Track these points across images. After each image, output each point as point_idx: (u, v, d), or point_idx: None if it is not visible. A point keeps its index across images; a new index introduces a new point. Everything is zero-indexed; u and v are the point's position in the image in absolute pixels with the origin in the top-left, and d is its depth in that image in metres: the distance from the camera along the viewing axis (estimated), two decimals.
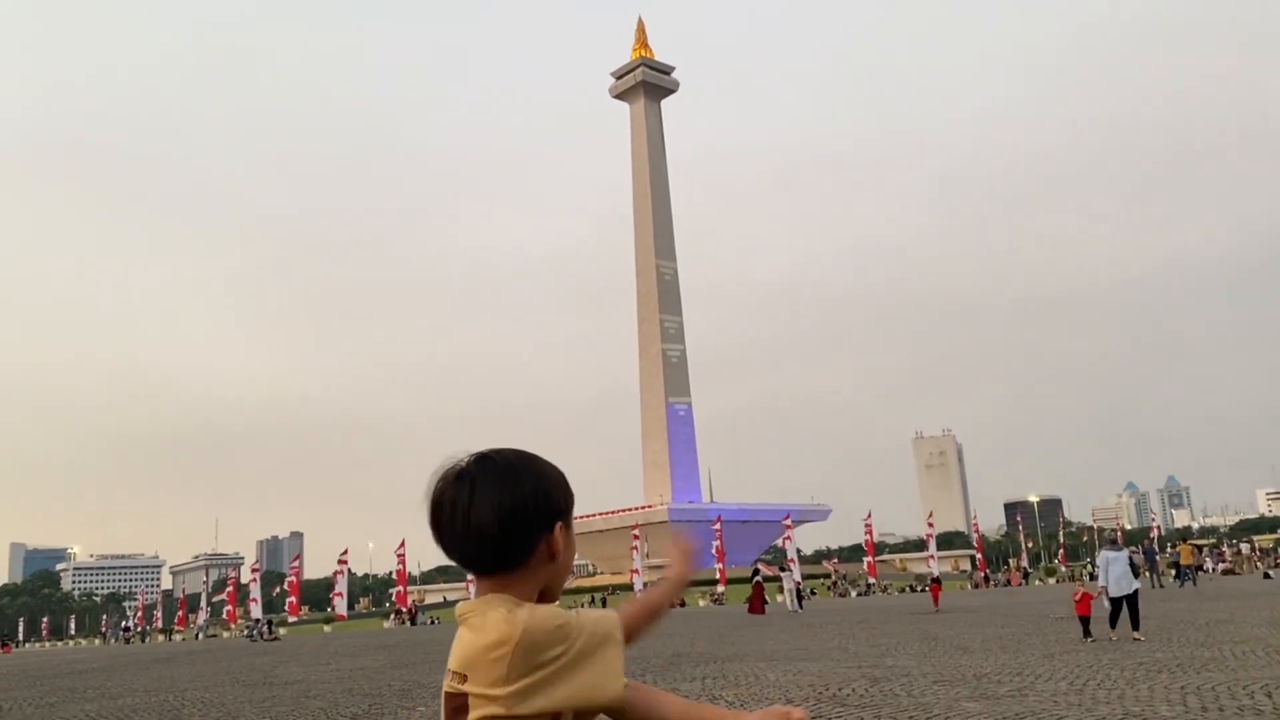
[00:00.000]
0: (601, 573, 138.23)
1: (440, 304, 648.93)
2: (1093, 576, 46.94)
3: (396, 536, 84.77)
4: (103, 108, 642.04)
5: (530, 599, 1.88)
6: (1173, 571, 46.71)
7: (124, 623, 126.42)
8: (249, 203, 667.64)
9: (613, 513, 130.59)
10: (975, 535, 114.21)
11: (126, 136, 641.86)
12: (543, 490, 1.90)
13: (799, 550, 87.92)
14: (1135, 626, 17.24)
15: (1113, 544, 19.46)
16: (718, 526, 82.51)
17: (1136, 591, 17.81)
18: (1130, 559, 18.43)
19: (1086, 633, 17.27)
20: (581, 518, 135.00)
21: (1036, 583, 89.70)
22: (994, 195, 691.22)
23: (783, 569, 53.46)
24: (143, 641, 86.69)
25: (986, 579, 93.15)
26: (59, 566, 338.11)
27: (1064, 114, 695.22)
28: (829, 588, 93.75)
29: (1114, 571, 17.87)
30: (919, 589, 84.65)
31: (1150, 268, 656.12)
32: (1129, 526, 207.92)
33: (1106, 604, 17.86)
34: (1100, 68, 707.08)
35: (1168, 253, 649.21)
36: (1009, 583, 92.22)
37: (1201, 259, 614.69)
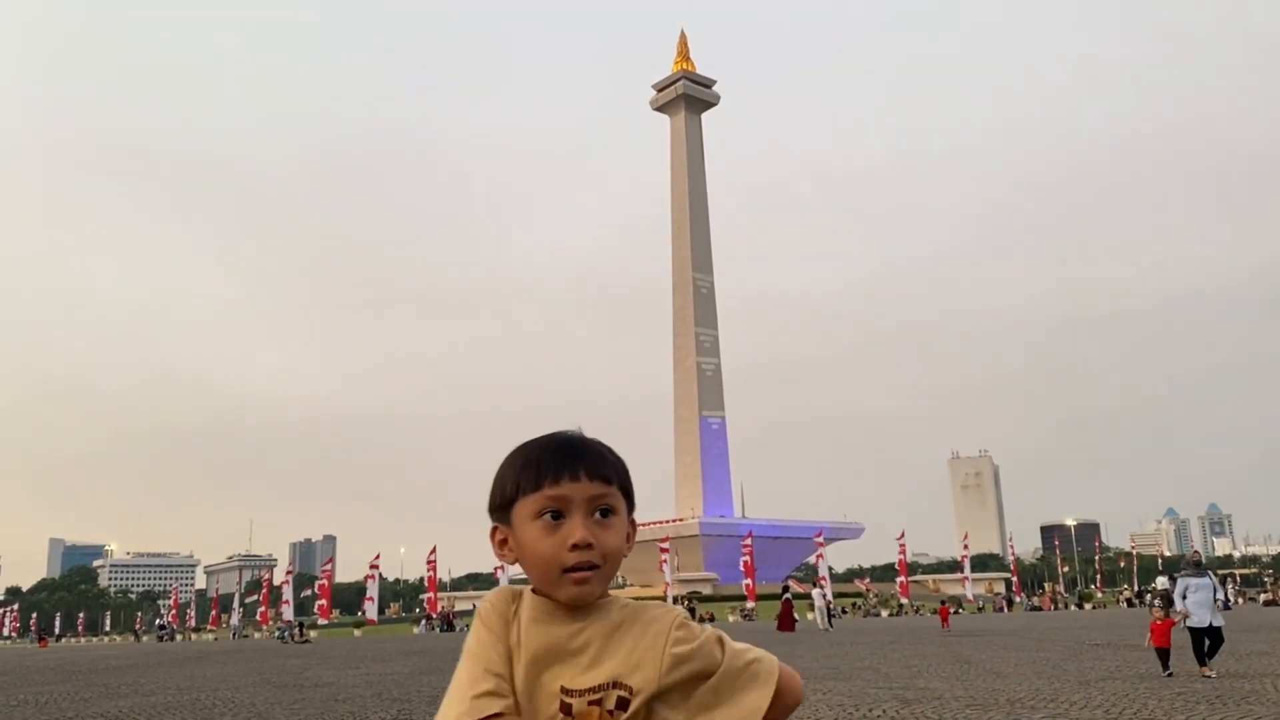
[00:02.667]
0: (631, 585, 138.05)
1: (476, 311, 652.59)
2: (1163, 601, 46.52)
3: (428, 543, 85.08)
4: (145, 111, 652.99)
5: None
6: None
7: (158, 621, 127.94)
8: (290, 208, 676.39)
9: (643, 525, 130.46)
10: (1011, 558, 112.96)
11: (167, 140, 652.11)
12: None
13: (830, 568, 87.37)
14: (1204, 661, 15.42)
15: (1196, 566, 16.93)
16: (749, 542, 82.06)
17: (1220, 626, 15.69)
18: (1214, 587, 15.96)
19: (1165, 667, 15.39)
20: None
21: (1073, 608, 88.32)
22: (1038, 216, 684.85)
23: (815, 586, 53.04)
24: (173, 640, 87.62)
25: (1010, 603, 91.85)
26: (96, 563, 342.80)
27: (1110, 135, 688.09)
28: (855, 606, 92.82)
29: (1194, 599, 15.66)
30: (953, 611, 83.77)
31: (1195, 290, 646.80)
32: (1168, 554, 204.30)
33: (1186, 631, 15.75)
34: (1149, 83, 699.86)
35: (1214, 276, 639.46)
36: (1040, 607, 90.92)
37: (1249, 282, 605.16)
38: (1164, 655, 15.51)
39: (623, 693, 1.66)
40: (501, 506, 1.76)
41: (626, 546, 1.78)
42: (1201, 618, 15.43)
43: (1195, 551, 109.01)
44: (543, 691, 1.67)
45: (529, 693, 1.67)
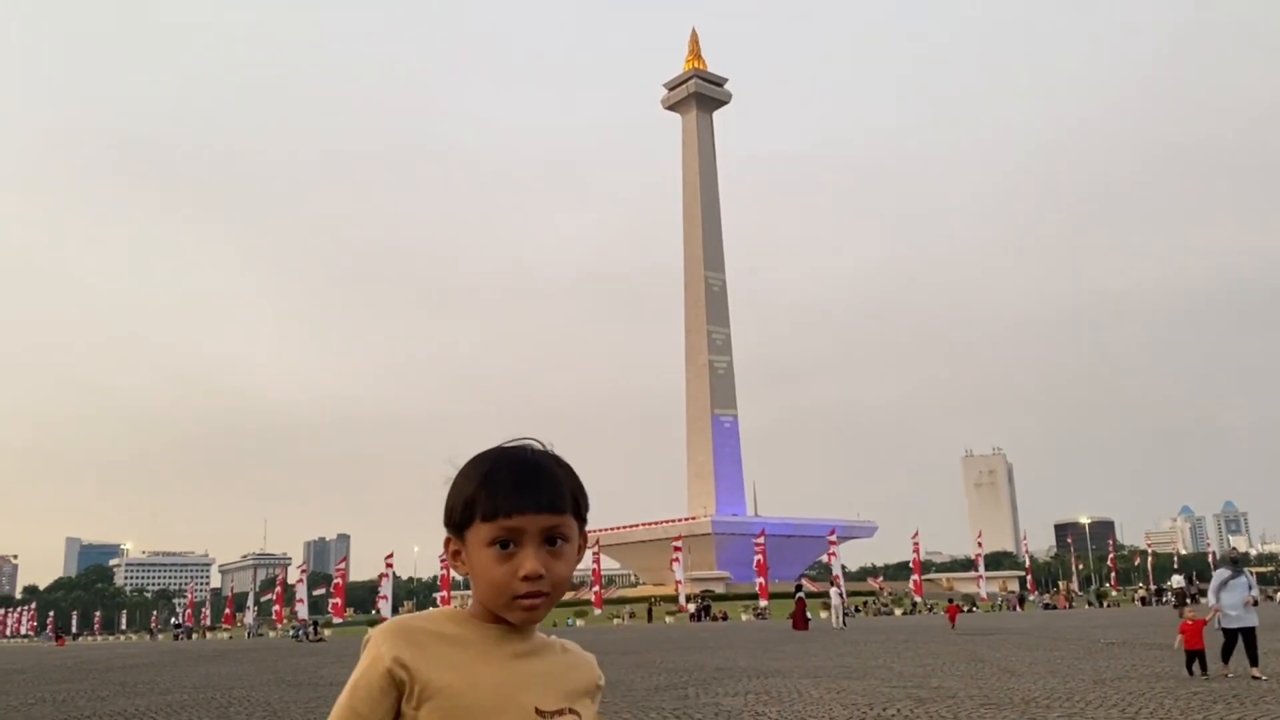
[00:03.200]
0: (644, 583, 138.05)
1: (488, 309, 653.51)
2: (1178, 599, 46.22)
3: (441, 542, 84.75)
4: (157, 111, 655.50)
5: None
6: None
7: (174, 619, 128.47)
8: (302, 208, 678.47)
9: (655, 523, 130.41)
10: (1025, 556, 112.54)
11: (180, 139, 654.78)
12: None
13: (843, 566, 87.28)
14: (1254, 662, 14.61)
15: (1233, 564, 15.63)
16: (761, 540, 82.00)
17: (1254, 626, 14.93)
18: (1250, 585, 14.99)
19: (1202, 669, 14.76)
20: (624, 528, 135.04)
21: (1086, 606, 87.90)
22: (1053, 212, 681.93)
23: (832, 585, 53.26)
24: (189, 638, 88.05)
25: (1021, 600, 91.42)
26: (112, 562, 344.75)
27: (1126, 130, 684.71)
28: (865, 605, 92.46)
29: (1229, 598, 14.88)
30: (966, 609, 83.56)
31: (1212, 287, 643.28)
32: (1183, 552, 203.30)
33: (1219, 631, 15.05)
34: (1166, 77, 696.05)
35: (1230, 272, 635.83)
36: (1053, 605, 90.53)
37: (1265, 278, 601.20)
38: (1197, 657, 14.94)
39: (575, 717, 1.80)
40: (458, 525, 1.80)
41: (578, 558, 1.86)
42: (1237, 618, 14.81)
43: (1233, 549, 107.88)
44: (517, 709, 1.74)
45: (499, 709, 1.72)
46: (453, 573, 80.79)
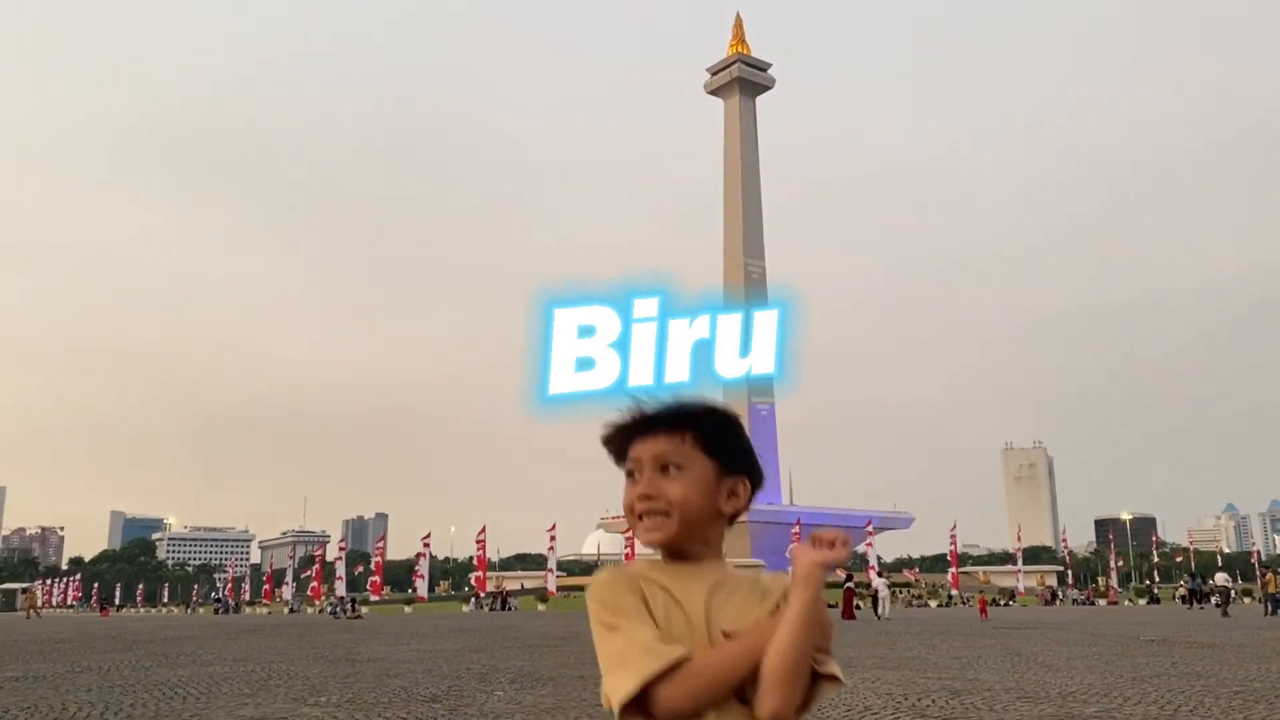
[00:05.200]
0: None
1: (524, 294, 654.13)
2: (1221, 598, 45.57)
3: (477, 522, 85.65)
4: (203, 96, 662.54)
5: None
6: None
7: (214, 594, 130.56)
8: (345, 192, 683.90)
9: None
10: (1064, 551, 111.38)
11: (225, 124, 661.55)
12: None
13: (879, 557, 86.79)
14: None
15: None
16: (797, 529, 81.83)
17: None
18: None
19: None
20: None
21: (1127, 603, 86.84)
22: (1096, 203, 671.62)
23: (879, 575, 54.06)
24: (227, 613, 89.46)
25: (1054, 596, 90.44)
26: (155, 536, 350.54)
27: (1170, 124, 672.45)
28: (895, 596, 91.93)
29: None
30: (1003, 603, 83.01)
31: (1257, 280, 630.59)
32: (1227, 550, 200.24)
33: None
34: (1207, 70, 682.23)
35: (1276, 264, 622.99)
36: (1088, 600, 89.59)
37: None
38: None
39: None
40: (612, 450, 2.05)
41: (731, 502, 1.95)
42: None
43: None
44: (712, 635, 1.86)
45: (705, 637, 1.86)
46: (486, 554, 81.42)
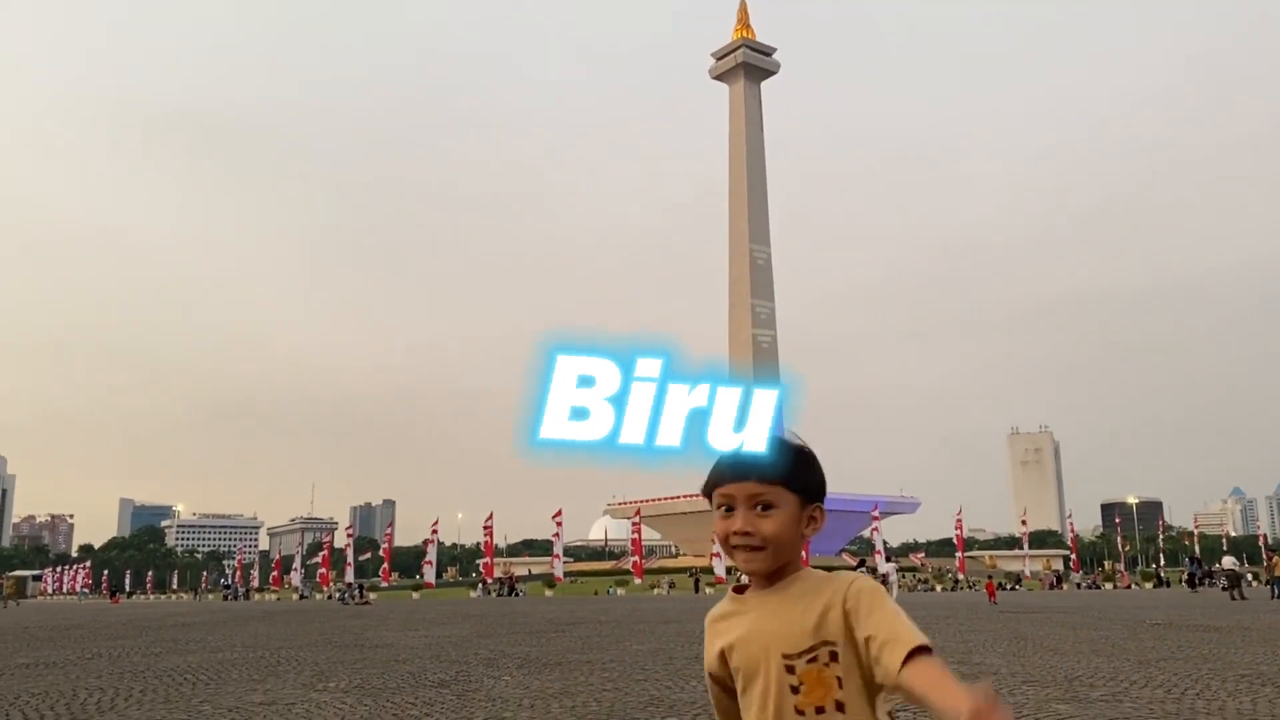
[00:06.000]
0: (685, 554, 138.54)
1: (533, 282, 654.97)
2: (1230, 581, 45.51)
3: (484, 509, 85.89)
4: (207, 81, 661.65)
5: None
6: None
7: (223, 580, 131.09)
8: (352, 180, 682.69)
9: (697, 496, 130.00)
10: (1070, 535, 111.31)
11: (231, 110, 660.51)
12: None
13: (885, 542, 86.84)
14: None
15: None
16: None
17: None
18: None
19: None
20: (666, 499, 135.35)
21: (1134, 586, 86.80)
22: (1103, 191, 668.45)
23: (888, 560, 54.56)
24: (236, 599, 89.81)
25: (1059, 579, 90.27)
26: (164, 523, 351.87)
27: (1174, 110, 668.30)
28: (901, 580, 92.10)
29: None
30: (1009, 587, 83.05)
31: (1263, 263, 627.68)
32: (1233, 534, 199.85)
33: None
34: (1215, 59, 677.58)
35: None
36: (1094, 584, 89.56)
37: None
38: None
39: (833, 647, 2.09)
40: (706, 495, 2.31)
41: (811, 527, 2.24)
42: None
43: None
44: (770, 661, 2.12)
45: (756, 667, 2.15)
46: (493, 540, 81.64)
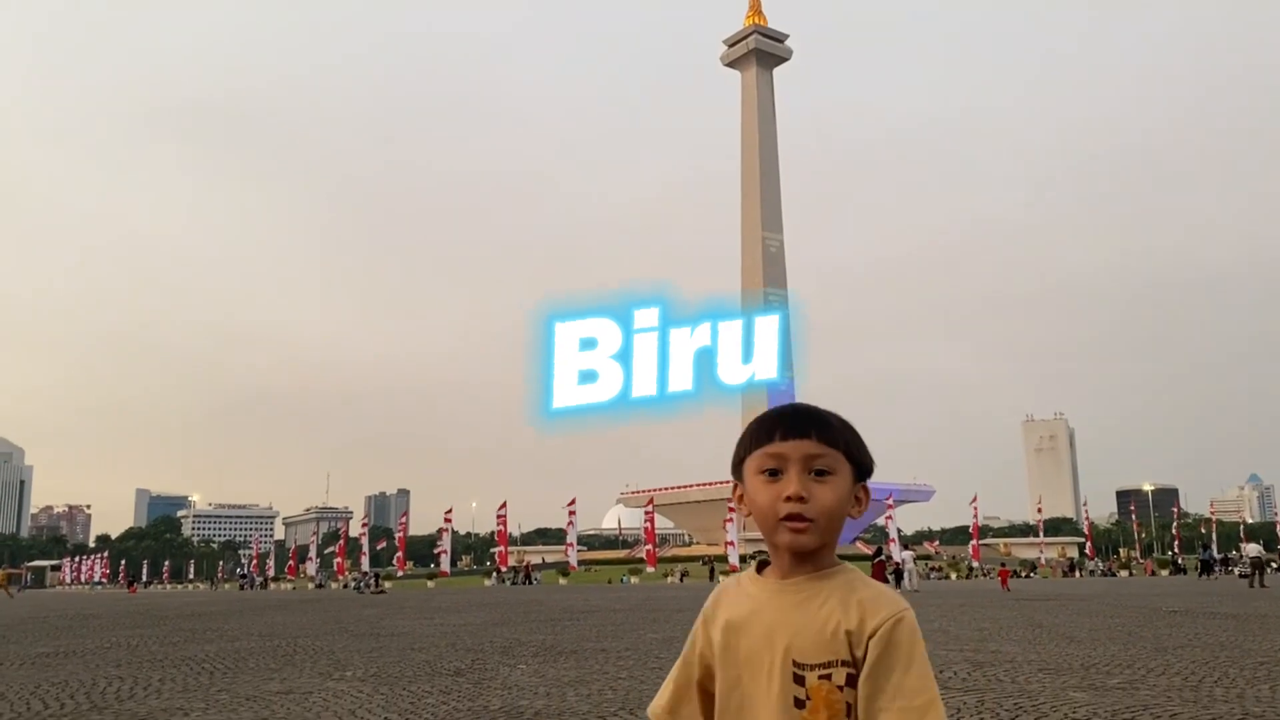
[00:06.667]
0: (698, 543, 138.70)
1: (545, 270, 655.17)
2: (1254, 568, 45.07)
3: (498, 498, 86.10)
4: (213, 69, 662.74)
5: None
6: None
7: (239, 570, 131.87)
8: (362, 172, 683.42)
9: (710, 484, 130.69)
10: (1085, 522, 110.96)
11: (236, 99, 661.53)
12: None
13: (899, 530, 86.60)
14: None
15: None
16: None
17: None
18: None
19: None
20: (679, 488, 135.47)
21: (1148, 575, 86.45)
22: (1119, 170, 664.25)
23: (907, 549, 55.30)
24: (253, 588, 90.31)
25: (1073, 567, 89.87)
26: (180, 513, 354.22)
27: (1192, 92, 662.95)
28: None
29: None
30: (1023, 574, 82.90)
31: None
32: (1250, 521, 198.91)
33: None
34: (1229, 39, 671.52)
35: None
36: (1110, 572, 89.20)
37: None
38: None
39: (850, 670, 1.78)
40: (738, 464, 1.94)
41: (857, 508, 1.90)
42: None
43: None
44: (777, 659, 1.80)
45: (757, 658, 1.83)
46: (507, 529, 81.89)
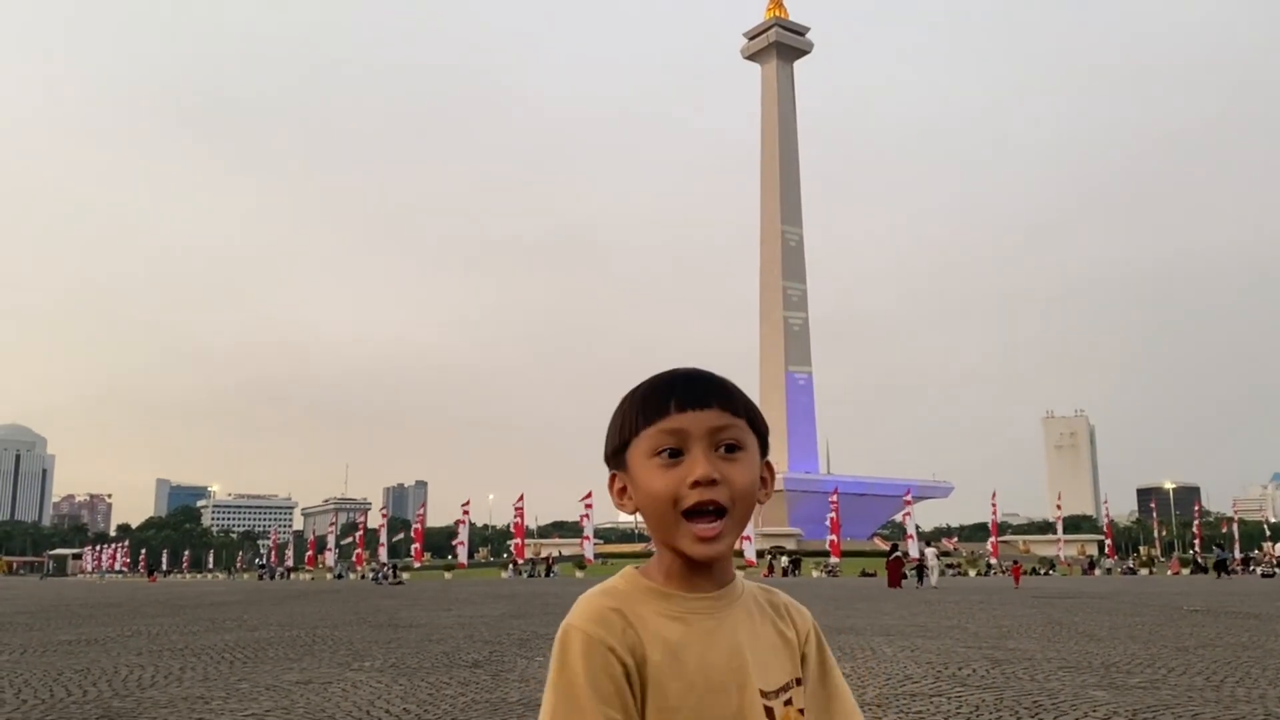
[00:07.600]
0: None
1: (565, 263, 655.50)
2: None
3: (515, 490, 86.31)
4: (233, 65, 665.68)
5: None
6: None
7: (258, 560, 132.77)
8: (382, 163, 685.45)
9: None
10: (1105, 520, 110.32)
11: (273, 97, 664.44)
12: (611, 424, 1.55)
13: (917, 526, 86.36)
14: None
15: None
16: (834, 498, 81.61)
17: None
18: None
19: None
20: None
21: (1169, 573, 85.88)
22: (1142, 167, 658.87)
23: (928, 545, 55.94)
24: (273, 579, 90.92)
25: (1092, 565, 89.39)
26: (200, 503, 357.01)
27: (1213, 89, 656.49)
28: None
29: None
30: (1042, 571, 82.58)
31: None
32: (1273, 519, 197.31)
33: None
34: (1257, 35, 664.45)
35: None
36: (1130, 570, 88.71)
37: None
38: None
39: (800, 685, 1.53)
40: (617, 450, 1.51)
41: (763, 491, 1.52)
42: None
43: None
44: (741, 695, 1.44)
45: (717, 697, 1.43)
46: (524, 521, 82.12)
